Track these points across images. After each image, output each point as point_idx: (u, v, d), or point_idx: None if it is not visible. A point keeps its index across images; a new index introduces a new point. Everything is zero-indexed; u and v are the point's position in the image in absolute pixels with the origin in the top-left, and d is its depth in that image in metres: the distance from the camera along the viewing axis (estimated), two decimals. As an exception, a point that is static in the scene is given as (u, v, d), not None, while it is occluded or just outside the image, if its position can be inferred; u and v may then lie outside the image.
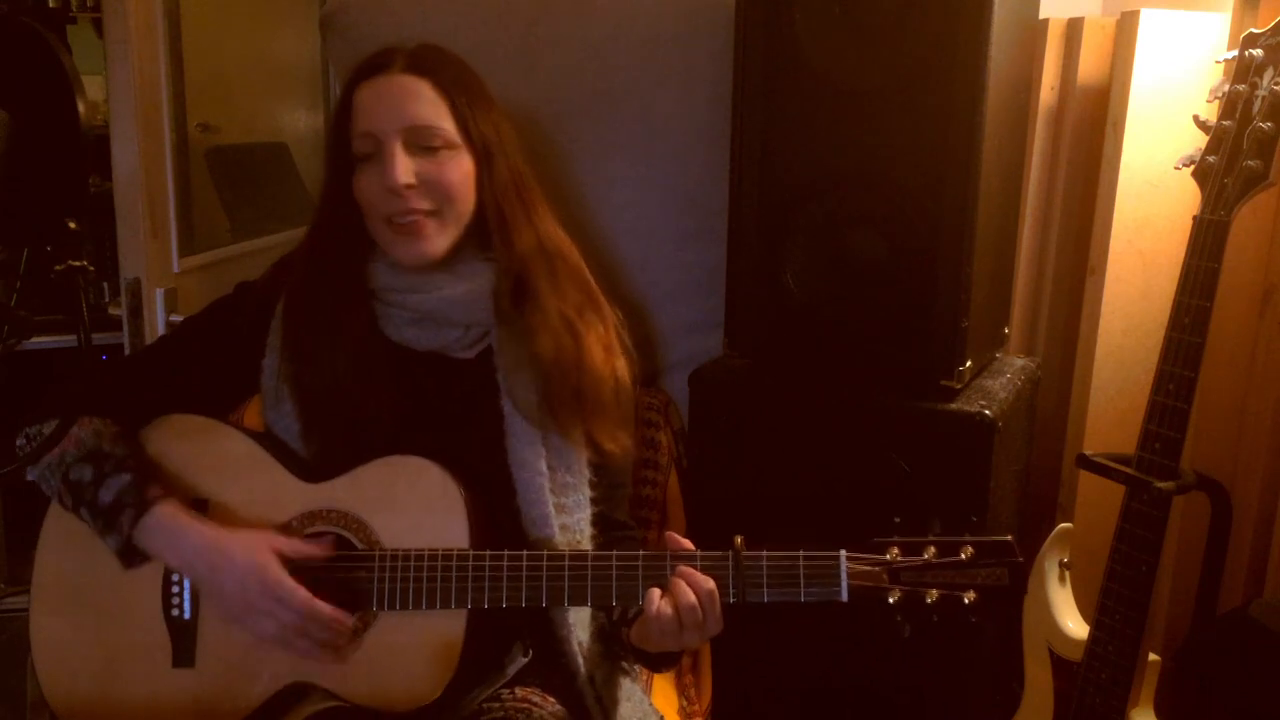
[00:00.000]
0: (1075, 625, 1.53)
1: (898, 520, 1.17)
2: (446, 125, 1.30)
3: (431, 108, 1.30)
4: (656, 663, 1.33)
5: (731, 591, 1.16)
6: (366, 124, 1.29)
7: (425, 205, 1.29)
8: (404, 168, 1.27)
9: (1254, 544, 1.72)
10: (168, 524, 1.24)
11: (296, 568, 1.23)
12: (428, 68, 1.31)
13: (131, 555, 1.25)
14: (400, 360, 1.34)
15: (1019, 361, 1.71)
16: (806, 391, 1.55)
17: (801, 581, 1.15)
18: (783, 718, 1.66)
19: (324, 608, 1.20)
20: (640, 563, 1.18)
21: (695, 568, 1.16)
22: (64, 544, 1.29)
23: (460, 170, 1.31)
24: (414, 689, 1.21)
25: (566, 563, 1.19)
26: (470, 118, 1.31)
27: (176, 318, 2.29)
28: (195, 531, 1.24)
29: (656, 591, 1.16)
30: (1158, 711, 1.48)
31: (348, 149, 1.31)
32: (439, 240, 1.31)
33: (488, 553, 1.20)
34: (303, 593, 1.20)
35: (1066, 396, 1.88)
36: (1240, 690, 1.47)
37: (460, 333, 1.34)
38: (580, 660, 1.32)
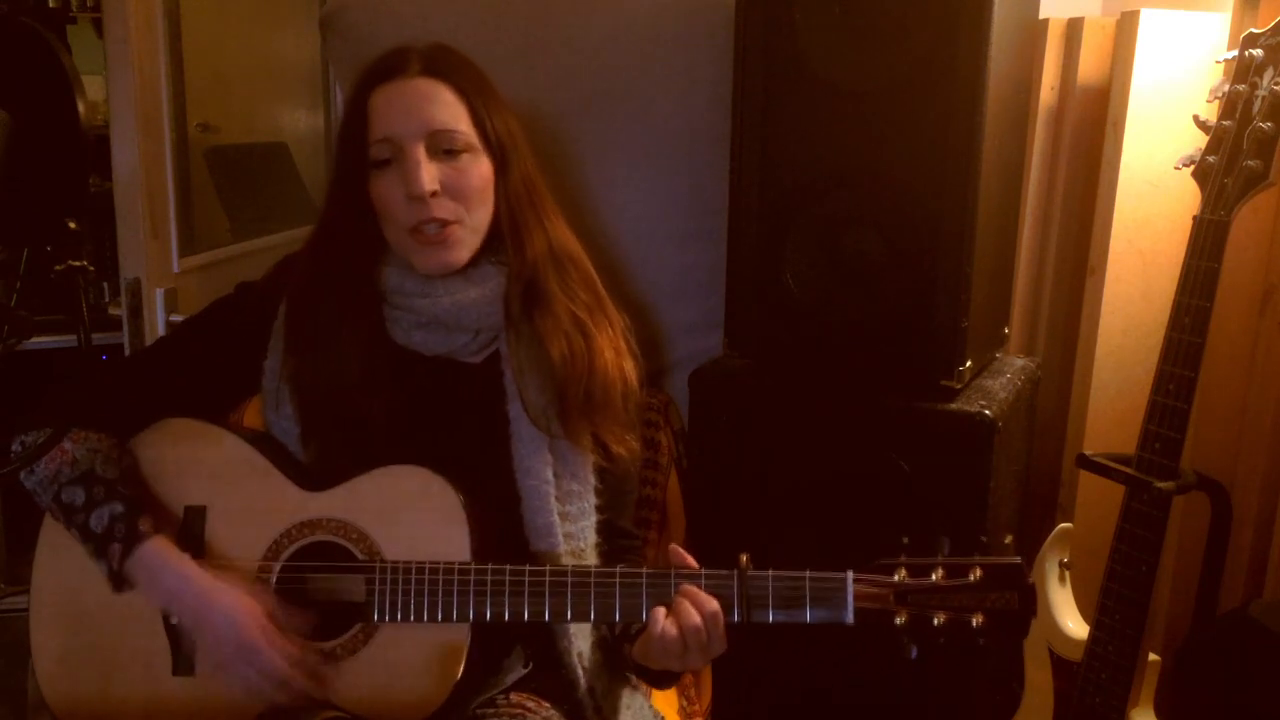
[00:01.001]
0: (1075, 625, 1.53)
1: (906, 540, 1.15)
2: (466, 128, 1.29)
3: (451, 111, 1.28)
4: (658, 679, 1.32)
5: (736, 612, 1.15)
6: (386, 129, 1.27)
7: (449, 212, 1.28)
8: (429, 174, 1.25)
9: (1254, 544, 1.72)
10: (156, 563, 1.23)
11: (294, 580, 1.23)
12: (444, 70, 1.29)
13: (121, 583, 1.24)
14: (405, 364, 1.33)
15: (1019, 361, 1.71)
16: (807, 391, 1.55)
17: (807, 603, 1.13)
18: (783, 717, 1.66)
19: (295, 676, 1.19)
20: (644, 580, 1.17)
21: (700, 586, 1.15)
22: (62, 549, 1.28)
23: (481, 174, 1.30)
24: (416, 701, 1.20)
25: (570, 579, 1.18)
26: (487, 120, 1.30)
27: (176, 318, 2.29)
28: (180, 576, 1.22)
29: (661, 611, 1.15)
30: (1158, 711, 1.48)
31: (362, 153, 1.29)
32: (462, 250, 1.30)
33: (489, 566, 1.19)
34: (274, 658, 1.18)
35: (1066, 396, 1.88)
36: (1240, 690, 1.47)
37: (469, 338, 1.33)
38: (580, 672, 1.31)
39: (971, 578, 1.12)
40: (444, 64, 1.30)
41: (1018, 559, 1.14)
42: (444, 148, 1.27)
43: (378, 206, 1.30)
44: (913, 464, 1.47)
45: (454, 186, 1.28)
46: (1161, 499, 1.38)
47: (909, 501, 1.47)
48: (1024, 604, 1.12)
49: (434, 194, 1.26)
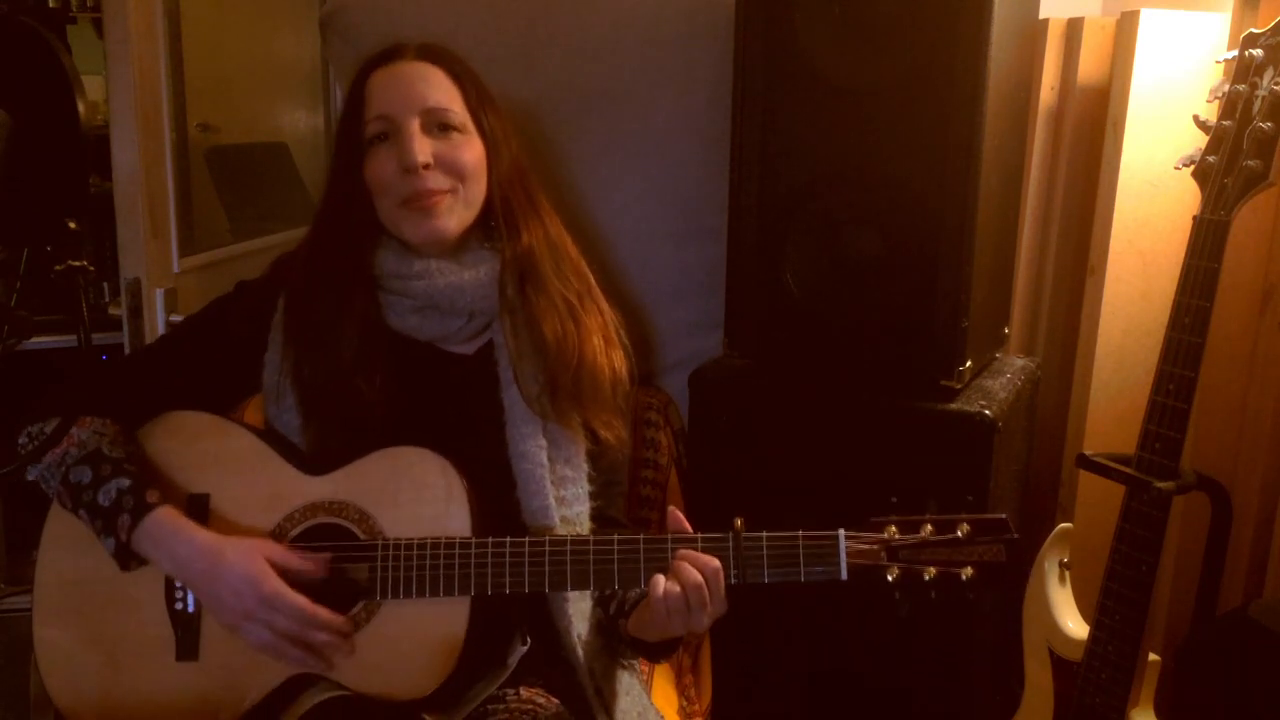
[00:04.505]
0: (1075, 625, 1.53)
1: (894, 500, 1.18)
2: (459, 109, 1.33)
3: (446, 91, 1.33)
4: (655, 652, 1.33)
5: (733, 572, 1.16)
6: (382, 107, 1.31)
7: (442, 185, 1.31)
8: (422, 147, 1.29)
9: (1254, 544, 1.72)
10: (164, 530, 1.23)
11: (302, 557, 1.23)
12: (439, 56, 1.35)
13: (127, 558, 1.25)
14: (401, 350, 1.35)
15: (1019, 361, 1.71)
16: (806, 391, 1.55)
17: (801, 561, 1.16)
18: (783, 718, 1.66)
19: (321, 612, 1.19)
20: (641, 545, 1.19)
21: (696, 549, 1.17)
22: (66, 540, 1.29)
23: (474, 151, 1.33)
24: (418, 679, 1.21)
25: (569, 547, 1.20)
26: (479, 105, 1.35)
27: (177, 318, 2.29)
28: (191, 539, 1.23)
29: (661, 577, 1.16)
30: (1158, 711, 1.48)
31: (359, 135, 1.32)
32: (451, 219, 1.32)
33: (490, 539, 1.21)
34: (298, 599, 1.19)
35: (1066, 396, 1.88)
36: (1240, 690, 1.47)
37: (463, 321, 1.35)
38: (580, 653, 1.32)
39: (959, 533, 1.15)
40: (440, 51, 1.36)
41: (1003, 515, 1.16)
42: (439, 124, 1.32)
43: (372, 184, 1.33)
44: (913, 464, 1.47)
45: (447, 161, 1.31)
46: (1161, 499, 1.38)
47: (909, 501, 1.46)
48: (1011, 556, 1.15)
49: (427, 166, 1.29)
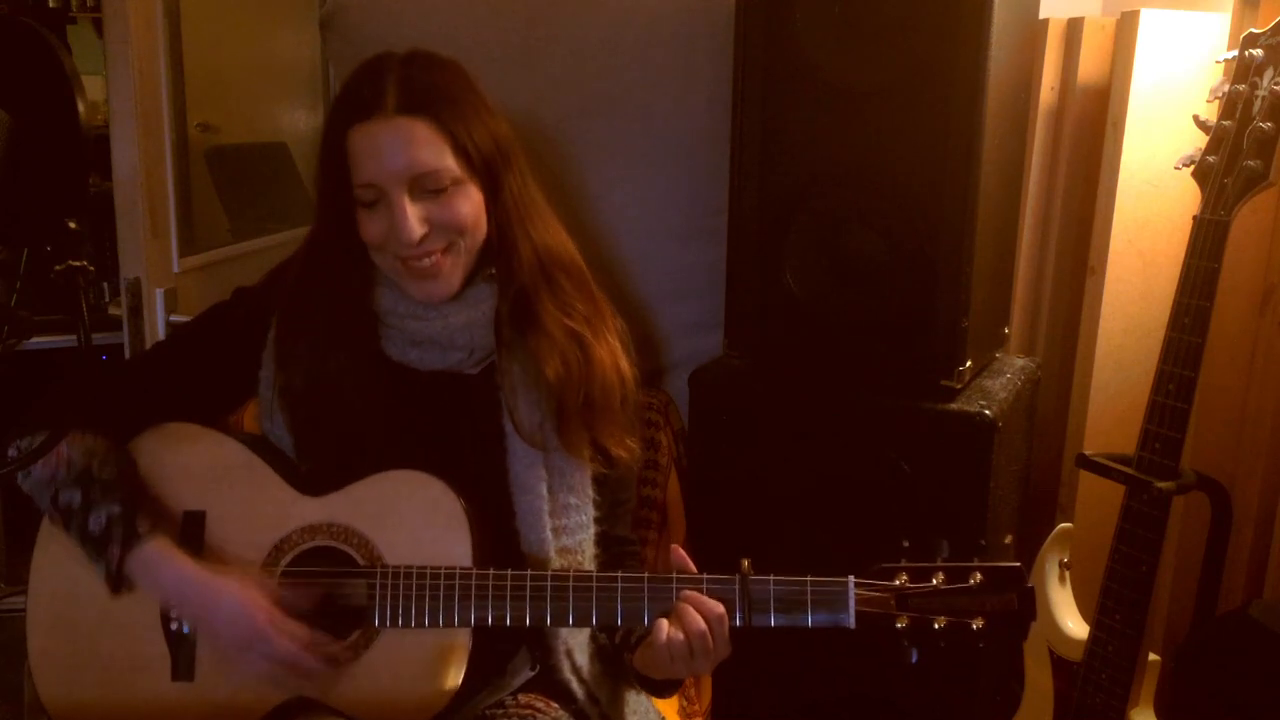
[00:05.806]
0: (1075, 625, 1.53)
1: (906, 544, 1.15)
2: (449, 163, 1.23)
3: (433, 150, 1.22)
4: (660, 688, 1.31)
5: (738, 616, 1.15)
6: (368, 176, 1.22)
7: (439, 245, 1.25)
8: (416, 220, 1.22)
9: (1254, 544, 1.72)
10: (155, 561, 1.21)
11: (297, 582, 1.22)
12: (420, 102, 1.22)
13: (119, 584, 1.23)
14: (400, 378, 1.31)
15: (1019, 361, 1.71)
16: (806, 391, 1.55)
17: (809, 607, 1.14)
18: (783, 717, 1.66)
19: (318, 639, 1.18)
20: (645, 584, 1.17)
21: (701, 591, 1.15)
22: (59, 555, 1.27)
23: (471, 203, 1.26)
24: (417, 705, 1.20)
25: (571, 583, 1.18)
26: (471, 145, 1.24)
27: (177, 318, 2.30)
28: (183, 570, 1.21)
29: (664, 622, 1.15)
30: (1158, 711, 1.48)
31: (346, 192, 1.25)
32: (455, 277, 1.27)
33: (491, 571, 1.19)
34: (295, 626, 1.18)
35: (1066, 396, 1.88)
36: (1240, 690, 1.47)
37: (465, 355, 1.32)
38: (576, 684, 1.31)
39: (972, 581, 1.13)
40: (420, 93, 1.23)
41: (1017, 563, 1.14)
42: (430, 188, 1.23)
43: (366, 240, 1.27)
44: (912, 464, 1.47)
45: (442, 221, 1.24)
46: (1161, 499, 1.38)
47: (909, 501, 1.47)
48: (1024, 607, 1.13)
49: (423, 237, 1.24)
